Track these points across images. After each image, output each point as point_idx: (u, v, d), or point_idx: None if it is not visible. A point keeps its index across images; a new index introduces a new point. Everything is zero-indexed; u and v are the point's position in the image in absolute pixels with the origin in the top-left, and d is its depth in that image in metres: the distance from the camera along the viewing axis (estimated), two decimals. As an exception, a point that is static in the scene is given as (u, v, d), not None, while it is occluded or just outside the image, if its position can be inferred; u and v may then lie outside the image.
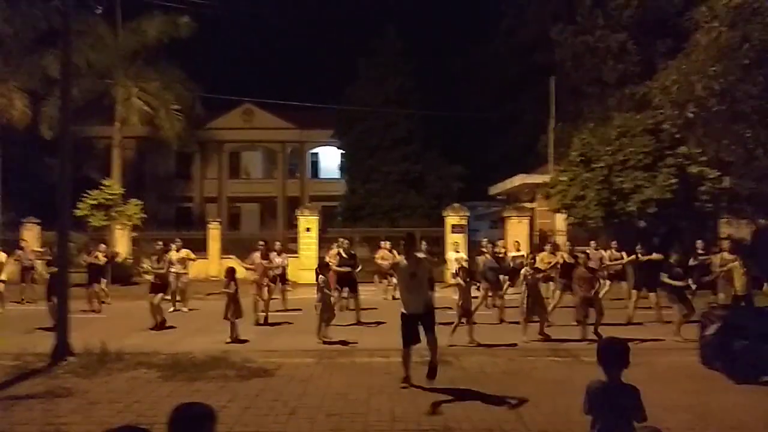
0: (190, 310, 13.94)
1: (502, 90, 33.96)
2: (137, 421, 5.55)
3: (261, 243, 12.85)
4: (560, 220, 21.57)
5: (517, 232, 19.79)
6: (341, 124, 33.93)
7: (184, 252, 14.22)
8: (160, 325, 11.43)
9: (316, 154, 39.52)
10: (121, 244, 21.45)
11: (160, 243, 13.32)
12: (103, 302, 14.26)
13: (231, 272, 10.36)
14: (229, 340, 9.90)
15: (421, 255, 7.65)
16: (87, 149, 29.75)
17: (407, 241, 7.36)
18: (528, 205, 23.90)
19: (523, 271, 10.29)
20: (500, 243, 16.56)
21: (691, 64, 9.99)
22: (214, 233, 22.19)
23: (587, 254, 11.36)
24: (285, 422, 5.76)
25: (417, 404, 6.29)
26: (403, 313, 7.04)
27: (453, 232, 20.27)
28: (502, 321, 11.75)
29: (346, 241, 12.94)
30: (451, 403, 6.33)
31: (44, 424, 5.74)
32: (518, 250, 15.94)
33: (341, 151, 35.94)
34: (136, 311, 13.87)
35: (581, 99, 26.24)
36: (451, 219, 20.66)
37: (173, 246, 14.24)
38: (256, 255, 12.45)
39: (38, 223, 21.08)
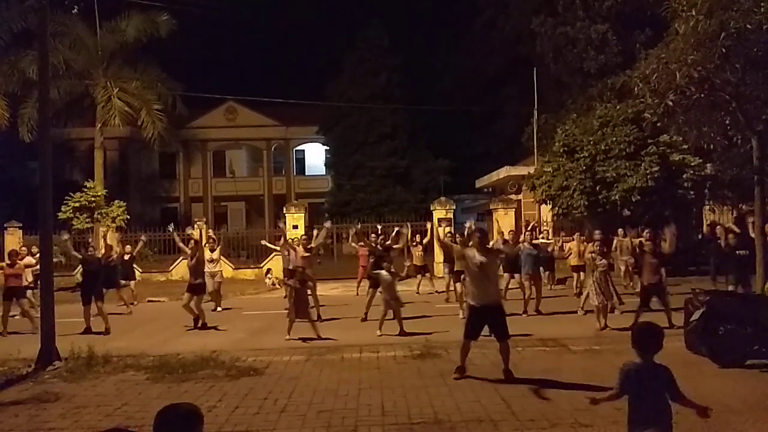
0: (223, 309, 13.59)
1: (486, 83, 34.05)
2: (126, 424, 5.52)
3: (303, 236, 13.18)
4: (546, 211, 21.71)
5: (503, 224, 19.86)
6: (326, 121, 33.81)
7: (217, 251, 13.58)
8: (201, 326, 11.16)
9: (302, 150, 39.37)
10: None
11: (212, 235, 13.06)
12: (126, 303, 13.93)
13: (298, 273, 10.33)
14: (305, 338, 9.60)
15: (499, 245, 7.60)
16: (69, 151, 29.43)
17: (480, 235, 7.43)
18: (514, 197, 24.03)
19: (590, 260, 10.31)
20: (544, 231, 16.41)
21: (670, 53, 10.05)
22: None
23: (653, 241, 11.35)
24: (275, 420, 5.76)
25: (407, 398, 6.32)
26: (472, 306, 7.08)
27: (440, 225, 20.30)
28: (538, 312, 11.61)
29: (381, 235, 12.72)
30: (441, 395, 6.37)
31: (31, 430, 5.69)
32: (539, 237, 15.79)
33: (326, 147, 35.84)
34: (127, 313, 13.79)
35: (563, 90, 26.40)
36: (438, 212, 20.75)
37: (207, 245, 13.54)
38: (300, 249, 12.23)
39: (20, 228, 20.81)
